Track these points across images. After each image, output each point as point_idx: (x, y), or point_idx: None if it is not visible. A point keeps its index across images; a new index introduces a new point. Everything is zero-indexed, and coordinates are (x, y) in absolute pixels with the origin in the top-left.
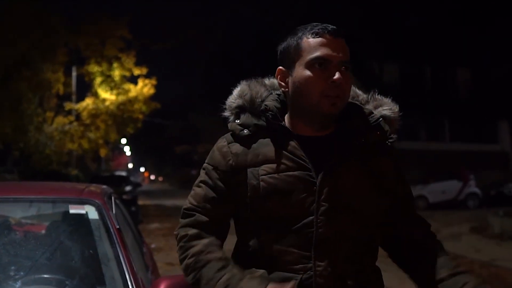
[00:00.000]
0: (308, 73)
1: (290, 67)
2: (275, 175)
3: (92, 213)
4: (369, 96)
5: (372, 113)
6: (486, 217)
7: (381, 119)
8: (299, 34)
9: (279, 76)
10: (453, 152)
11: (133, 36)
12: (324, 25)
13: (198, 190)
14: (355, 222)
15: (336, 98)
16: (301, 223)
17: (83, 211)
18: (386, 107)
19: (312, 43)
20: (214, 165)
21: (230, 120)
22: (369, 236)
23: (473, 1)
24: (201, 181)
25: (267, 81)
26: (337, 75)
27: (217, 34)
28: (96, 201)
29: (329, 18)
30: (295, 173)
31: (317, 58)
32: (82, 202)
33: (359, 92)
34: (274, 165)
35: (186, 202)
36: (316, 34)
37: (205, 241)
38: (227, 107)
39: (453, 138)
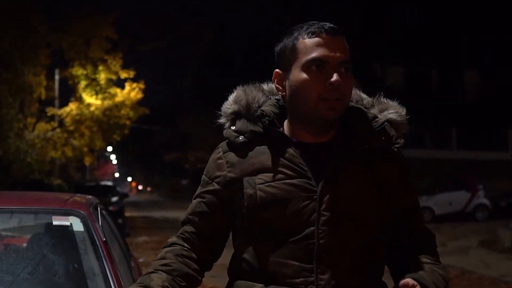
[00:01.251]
0: (304, 75)
1: (286, 69)
2: (273, 184)
3: (77, 224)
4: (374, 100)
5: (377, 117)
6: (496, 230)
7: (386, 123)
8: (295, 34)
9: (276, 80)
10: (460, 160)
11: (119, 36)
12: (321, 23)
13: (193, 202)
14: (359, 232)
15: (335, 102)
16: (301, 234)
17: (67, 223)
18: (392, 111)
19: (308, 44)
20: (209, 177)
21: (225, 127)
22: (374, 247)
23: (482, 1)
24: (196, 194)
25: (265, 86)
26: (335, 77)
27: (208, 33)
28: (81, 212)
29: (328, 16)
30: (294, 181)
31: (313, 59)
32: (66, 213)
33: (363, 95)
34: (271, 174)
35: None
36: (312, 34)
37: (169, 248)
38: (222, 113)
39: (460, 145)
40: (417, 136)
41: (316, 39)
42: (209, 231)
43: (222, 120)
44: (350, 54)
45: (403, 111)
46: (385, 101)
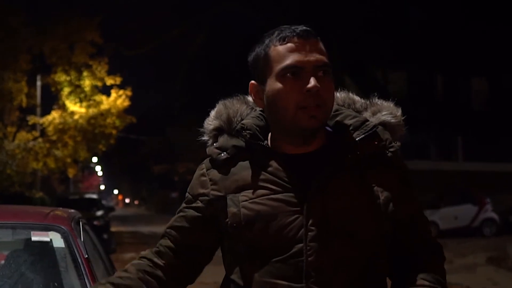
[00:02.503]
0: (279, 85)
1: (262, 80)
2: (257, 200)
3: (57, 240)
4: (367, 102)
5: (367, 120)
6: (505, 246)
7: (378, 126)
8: (266, 42)
9: (252, 93)
10: (467, 172)
11: (104, 40)
12: (293, 27)
13: (175, 218)
14: (351, 248)
15: (316, 109)
16: (289, 252)
17: (47, 239)
18: (385, 112)
19: (280, 51)
20: (193, 195)
21: (208, 144)
22: (371, 263)
23: (490, 2)
24: (179, 210)
25: (250, 97)
26: (312, 82)
27: (200, 36)
28: (62, 227)
29: (326, 18)
30: (279, 196)
31: (287, 67)
32: (46, 228)
33: (356, 98)
34: (256, 189)
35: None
36: (284, 40)
37: (136, 261)
38: (204, 130)
39: (467, 156)
40: (420, 147)
41: (288, 45)
42: (185, 247)
43: (205, 138)
44: (327, 56)
45: (398, 112)
46: (379, 102)
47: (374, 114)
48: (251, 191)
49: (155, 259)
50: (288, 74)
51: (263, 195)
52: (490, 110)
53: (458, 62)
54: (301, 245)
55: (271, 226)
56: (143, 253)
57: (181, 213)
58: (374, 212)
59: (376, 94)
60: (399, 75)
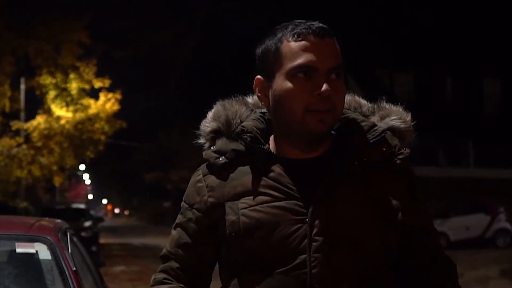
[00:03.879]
0: (289, 84)
1: (269, 76)
2: (257, 208)
3: (43, 252)
4: (375, 106)
5: (375, 125)
6: None
7: (386, 132)
8: (279, 36)
9: (257, 88)
10: (478, 179)
11: (93, 41)
12: (308, 23)
13: (173, 233)
14: (357, 259)
15: (325, 113)
16: (292, 263)
17: (32, 250)
18: (394, 117)
19: (293, 48)
20: (189, 203)
21: (205, 147)
22: (376, 276)
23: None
24: (176, 223)
25: (249, 99)
26: (324, 86)
27: (193, 37)
28: (48, 238)
29: (329, 19)
30: (281, 203)
31: (300, 66)
32: (32, 239)
33: (362, 101)
34: (255, 196)
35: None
36: (299, 36)
37: (164, 287)
38: (201, 132)
39: (478, 162)
40: (428, 152)
41: (302, 43)
42: (195, 265)
43: (201, 140)
44: (342, 57)
45: (407, 116)
46: (387, 106)
47: (382, 118)
48: (251, 197)
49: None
50: (299, 74)
51: (264, 202)
52: (503, 114)
53: (469, 62)
54: (304, 256)
55: (273, 236)
56: (159, 277)
57: (180, 229)
58: (381, 222)
59: (384, 98)
60: (406, 77)
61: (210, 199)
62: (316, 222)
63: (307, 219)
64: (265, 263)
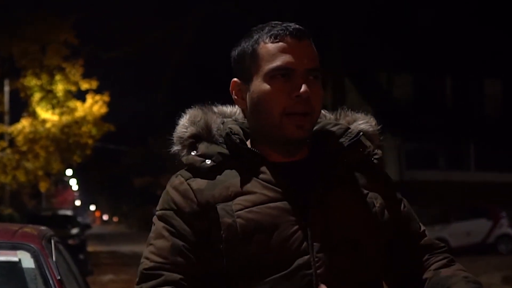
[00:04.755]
0: (267, 87)
1: (247, 79)
2: (254, 209)
3: (26, 260)
4: (338, 114)
5: (349, 128)
6: None
7: (361, 133)
8: (255, 38)
9: (234, 91)
10: (479, 183)
11: (80, 41)
12: (285, 24)
13: (160, 243)
14: (356, 259)
15: (303, 118)
16: (294, 265)
17: (15, 258)
18: (361, 121)
19: (271, 49)
20: (173, 208)
21: (182, 154)
22: (374, 275)
23: None
24: (161, 231)
25: (215, 108)
26: (303, 88)
27: (186, 38)
28: (32, 245)
29: (326, 18)
30: (278, 204)
31: (277, 68)
32: (14, 247)
33: (324, 112)
34: (250, 197)
35: (145, 261)
36: (276, 37)
37: None
38: (175, 139)
39: (479, 166)
40: (428, 156)
41: (280, 44)
42: (195, 273)
43: (176, 148)
44: (319, 60)
45: (373, 121)
46: (350, 113)
47: (349, 124)
48: (246, 198)
49: None
50: (277, 76)
51: (261, 203)
52: (504, 115)
53: (469, 63)
54: (307, 257)
55: (273, 238)
56: None
57: (170, 234)
58: (374, 220)
59: (344, 106)
60: (405, 78)
61: (199, 201)
62: (316, 222)
63: (304, 220)
64: (265, 268)
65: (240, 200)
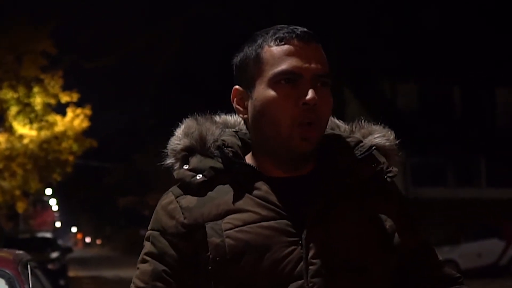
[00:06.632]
0: (272, 93)
1: (249, 86)
2: (245, 228)
3: (1, 287)
4: (353, 125)
5: (361, 141)
6: None
7: (374, 148)
8: (259, 42)
9: (235, 99)
10: (491, 200)
11: (59, 50)
12: (291, 27)
13: (144, 267)
14: (359, 283)
15: (309, 129)
16: None
17: None
18: (377, 135)
19: (276, 53)
20: (159, 229)
21: (175, 167)
22: None
23: None
24: (146, 254)
25: (217, 118)
26: (310, 94)
27: (172, 46)
28: (7, 271)
29: (325, 22)
30: (271, 223)
31: (283, 72)
32: None
33: (339, 122)
34: (242, 215)
35: (131, 285)
36: (281, 40)
37: None
38: (169, 151)
39: (491, 182)
40: (436, 171)
41: (286, 47)
42: None
43: (170, 161)
44: (328, 65)
45: (391, 135)
46: (367, 125)
47: (364, 137)
48: (236, 216)
49: None
50: (282, 81)
51: (252, 222)
52: None
53: (479, 70)
54: (301, 281)
55: (264, 260)
56: None
57: (153, 259)
58: (380, 242)
59: (362, 117)
60: (410, 87)
61: (187, 221)
62: (312, 244)
63: (300, 241)
64: None
65: (230, 218)
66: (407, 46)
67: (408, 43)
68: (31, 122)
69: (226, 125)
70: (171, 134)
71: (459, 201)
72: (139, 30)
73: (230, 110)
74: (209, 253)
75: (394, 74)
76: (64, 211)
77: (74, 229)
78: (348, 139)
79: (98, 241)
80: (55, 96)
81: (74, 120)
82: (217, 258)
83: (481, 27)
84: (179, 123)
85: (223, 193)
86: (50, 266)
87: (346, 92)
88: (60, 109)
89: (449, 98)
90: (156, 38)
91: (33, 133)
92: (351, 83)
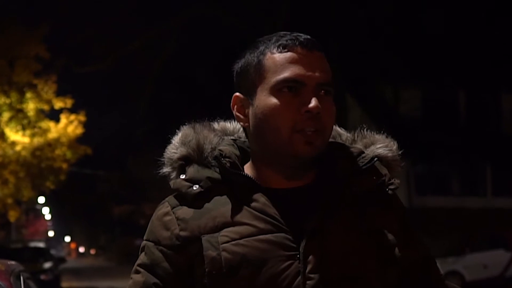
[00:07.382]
0: (274, 100)
1: (250, 93)
2: (241, 242)
3: None
4: (356, 134)
5: (363, 152)
6: None
7: (376, 159)
8: (261, 48)
9: (235, 106)
10: (497, 210)
11: (52, 55)
12: (295, 34)
13: (136, 278)
14: None
15: (313, 135)
16: None
17: None
18: (380, 145)
19: (278, 60)
20: (154, 240)
21: (172, 177)
22: None
23: None
24: (139, 265)
25: (216, 125)
26: (313, 102)
27: (168, 49)
28: None
29: (325, 26)
30: (269, 236)
31: (286, 80)
32: None
33: (341, 130)
34: (239, 228)
35: None
36: (284, 47)
37: None
38: (166, 160)
39: (497, 191)
40: (440, 179)
41: (288, 54)
42: None
43: (166, 169)
44: (332, 75)
45: (394, 145)
46: (370, 134)
47: (366, 147)
48: (233, 229)
49: None
50: (285, 89)
51: (249, 235)
52: None
53: (485, 75)
54: None
55: (260, 274)
56: None
57: (145, 271)
58: (380, 256)
59: (364, 126)
60: (413, 93)
61: (183, 233)
62: (310, 257)
63: (298, 255)
64: None
65: (227, 231)
66: (410, 51)
67: (411, 47)
68: (23, 128)
69: (224, 132)
70: (168, 141)
71: (464, 210)
72: (134, 33)
73: (228, 116)
74: (205, 267)
75: (397, 79)
76: (57, 220)
77: (67, 239)
78: (350, 149)
79: (92, 251)
80: (49, 102)
81: (68, 126)
82: (213, 272)
83: (486, 31)
84: (177, 130)
85: (220, 205)
86: (43, 277)
87: (348, 98)
88: (54, 115)
89: (454, 104)
90: (152, 40)
91: (26, 140)
92: (353, 89)
